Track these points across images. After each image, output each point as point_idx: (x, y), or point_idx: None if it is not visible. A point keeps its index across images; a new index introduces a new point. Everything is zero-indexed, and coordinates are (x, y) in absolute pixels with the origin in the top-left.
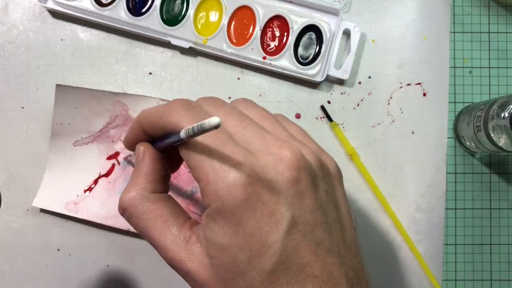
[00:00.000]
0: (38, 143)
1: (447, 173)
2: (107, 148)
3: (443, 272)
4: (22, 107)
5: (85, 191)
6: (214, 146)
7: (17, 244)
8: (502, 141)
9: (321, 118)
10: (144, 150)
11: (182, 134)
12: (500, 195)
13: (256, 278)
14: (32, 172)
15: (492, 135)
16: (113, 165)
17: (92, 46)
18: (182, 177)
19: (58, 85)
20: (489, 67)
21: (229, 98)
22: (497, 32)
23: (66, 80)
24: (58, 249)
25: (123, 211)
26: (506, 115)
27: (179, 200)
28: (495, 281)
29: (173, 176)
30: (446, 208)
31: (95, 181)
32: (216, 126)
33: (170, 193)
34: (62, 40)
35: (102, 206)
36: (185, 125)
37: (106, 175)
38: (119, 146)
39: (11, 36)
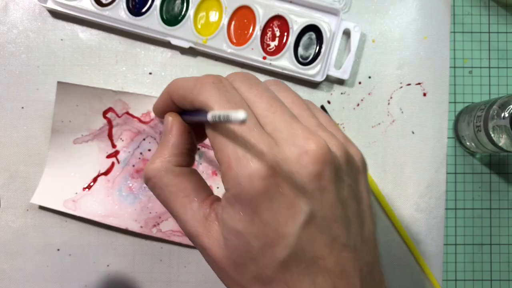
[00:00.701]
0: (38, 143)
1: (447, 173)
2: (106, 147)
3: (443, 272)
4: (22, 107)
5: (84, 189)
6: (240, 132)
7: (17, 244)
8: (502, 141)
9: None
10: (172, 121)
11: (209, 116)
12: (500, 195)
13: (268, 266)
14: (32, 172)
15: (492, 135)
16: (113, 163)
17: (92, 46)
18: None
19: (59, 82)
20: (489, 67)
21: None
22: (497, 32)
23: (66, 79)
24: (58, 249)
25: (147, 180)
26: (506, 115)
27: None
28: (495, 281)
29: None
30: (446, 208)
31: (94, 179)
32: (242, 122)
33: None
34: (62, 40)
35: (101, 204)
36: (214, 106)
37: (106, 173)
38: (119, 145)
39: (11, 36)
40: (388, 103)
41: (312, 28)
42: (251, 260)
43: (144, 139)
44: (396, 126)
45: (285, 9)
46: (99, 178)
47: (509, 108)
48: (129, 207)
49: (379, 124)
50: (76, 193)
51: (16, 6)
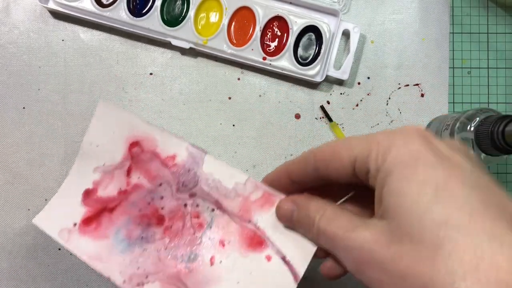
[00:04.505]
0: (39, 143)
1: None
2: (121, 182)
3: None
4: (24, 107)
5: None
6: None
7: (18, 243)
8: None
9: (320, 118)
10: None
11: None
12: None
13: None
14: (33, 172)
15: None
16: (121, 201)
17: (93, 46)
18: (184, 233)
19: (102, 101)
20: (488, 68)
21: (229, 98)
22: (496, 33)
23: (67, 80)
24: (59, 249)
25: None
26: (472, 128)
27: (165, 259)
28: None
29: (173, 228)
30: None
31: (98, 214)
32: None
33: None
34: (63, 40)
35: (93, 242)
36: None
37: (110, 210)
38: (133, 182)
39: (13, 36)
40: (387, 104)
41: (312, 29)
42: None
43: (160, 185)
44: (394, 127)
45: (285, 10)
46: (102, 214)
47: (475, 121)
48: (118, 255)
49: (377, 124)
50: (75, 224)
51: (17, 7)
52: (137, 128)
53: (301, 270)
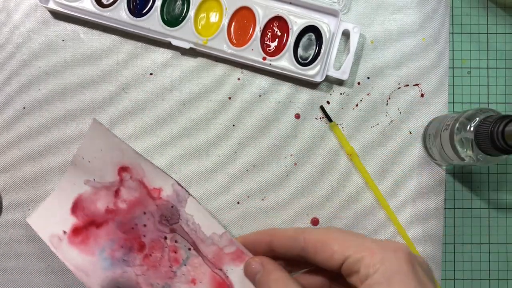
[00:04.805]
0: (39, 144)
1: (445, 172)
2: (109, 202)
3: (442, 271)
4: (24, 108)
5: (72, 232)
6: None
7: (17, 243)
8: (468, 153)
9: (320, 118)
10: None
11: None
12: (498, 194)
13: None
14: (33, 172)
15: (458, 148)
16: (108, 220)
17: (93, 46)
18: (161, 264)
19: (95, 120)
20: (488, 68)
21: (229, 98)
22: (496, 33)
23: (68, 80)
24: None
25: None
26: (472, 128)
27: None
28: (493, 280)
29: (152, 257)
30: (445, 208)
31: (86, 227)
32: None
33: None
34: (63, 41)
35: (80, 254)
36: None
37: (98, 226)
38: (121, 206)
39: (13, 36)
40: (387, 104)
41: (312, 29)
42: None
43: (144, 213)
44: (394, 127)
45: (285, 10)
46: (90, 228)
47: (475, 121)
48: (102, 271)
49: (377, 124)
50: (65, 232)
51: (17, 7)
52: (127, 155)
53: None
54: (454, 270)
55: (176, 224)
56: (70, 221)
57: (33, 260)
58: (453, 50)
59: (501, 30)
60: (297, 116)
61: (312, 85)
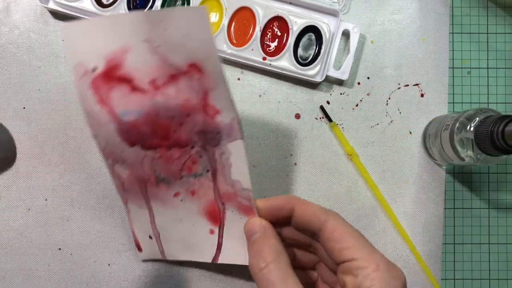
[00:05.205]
0: (39, 143)
1: (445, 172)
2: (159, 77)
3: (442, 271)
4: (24, 107)
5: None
6: None
7: (18, 243)
8: (468, 153)
9: (320, 118)
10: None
11: None
12: (498, 194)
13: None
14: (33, 172)
15: (458, 148)
16: (145, 92)
17: None
18: (174, 163)
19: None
20: (488, 68)
21: None
22: (496, 33)
23: (67, 80)
24: (59, 248)
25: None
26: (472, 128)
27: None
28: (493, 280)
29: (169, 152)
30: (445, 208)
31: (120, 79)
32: None
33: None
34: (63, 41)
35: (96, 103)
36: None
37: (133, 88)
38: (169, 90)
39: (13, 36)
40: (387, 104)
41: (312, 29)
42: None
43: (187, 116)
44: (394, 127)
45: (285, 10)
46: (123, 84)
47: (475, 121)
48: (113, 133)
49: (377, 124)
50: (94, 69)
51: (17, 7)
52: (211, 61)
53: (223, 261)
54: (454, 270)
55: (209, 146)
56: (106, 62)
57: (34, 260)
58: (453, 50)
59: (501, 30)
60: (297, 116)
61: (312, 85)
